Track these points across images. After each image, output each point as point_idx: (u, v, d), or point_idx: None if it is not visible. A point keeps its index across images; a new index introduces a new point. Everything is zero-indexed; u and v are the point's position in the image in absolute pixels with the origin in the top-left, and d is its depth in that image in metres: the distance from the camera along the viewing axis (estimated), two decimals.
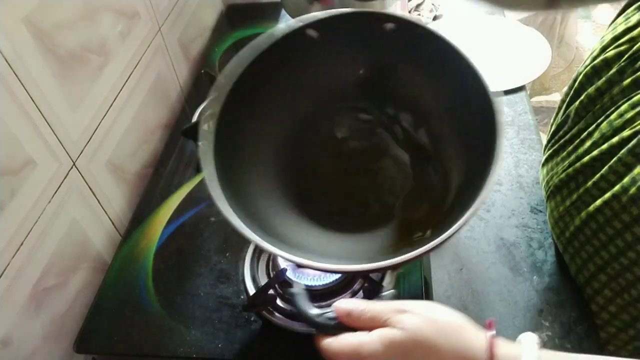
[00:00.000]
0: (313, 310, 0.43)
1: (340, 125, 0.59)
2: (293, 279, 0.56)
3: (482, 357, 0.36)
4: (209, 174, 0.45)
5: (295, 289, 0.45)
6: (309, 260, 0.42)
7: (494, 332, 0.37)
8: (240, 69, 0.51)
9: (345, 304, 0.40)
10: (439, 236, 0.40)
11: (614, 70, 0.52)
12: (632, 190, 0.47)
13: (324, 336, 0.40)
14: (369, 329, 0.39)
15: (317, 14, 0.53)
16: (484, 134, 0.44)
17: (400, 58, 0.55)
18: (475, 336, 0.37)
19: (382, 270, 0.48)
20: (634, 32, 0.51)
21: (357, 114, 0.59)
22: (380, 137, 0.58)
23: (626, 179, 0.48)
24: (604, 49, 0.54)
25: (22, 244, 0.51)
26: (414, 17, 0.52)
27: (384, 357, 0.37)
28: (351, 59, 0.56)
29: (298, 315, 0.44)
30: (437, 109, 0.54)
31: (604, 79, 0.53)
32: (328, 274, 0.56)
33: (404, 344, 0.37)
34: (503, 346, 0.36)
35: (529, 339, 0.37)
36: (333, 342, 0.39)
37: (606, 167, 0.51)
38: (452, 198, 0.50)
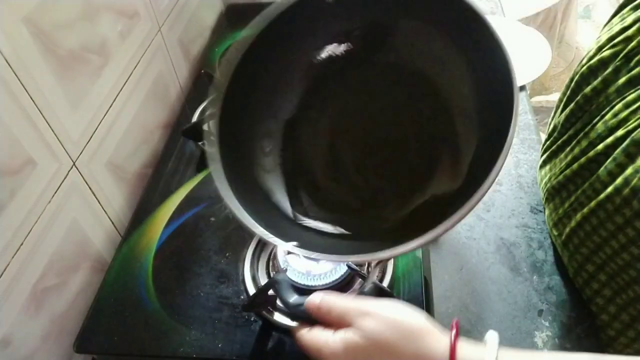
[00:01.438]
0: (293, 299, 0.44)
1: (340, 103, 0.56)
2: (293, 278, 0.57)
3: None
4: (216, 171, 0.46)
5: (279, 276, 0.46)
6: (307, 251, 0.42)
7: (454, 332, 0.37)
8: (241, 53, 0.50)
9: (315, 298, 0.42)
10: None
11: (609, 69, 0.52)
12: (625, 191, 0.47)
13: (301, 325, 0.43)
14: (338, 325, 0.40)
15: None
16: (499, 108, 0.41)
17: (418, 16, 0.50)
18: (437, 339, 0.38)
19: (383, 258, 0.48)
20: (629, 32, 0.50)
21: (362, 87, 0.55)
22: (392, 121, 0.55)
23: (619, 180, 0.48)
24: (600, 49, 0.54)
25: (22, 244, 0.51)
26: None
27: (345, 359, 0.39)
28: (359, 23, 0.53)
29: (280, 301, 0.45)
30: (452, 81, 0.50)
31: (600, 78, 0.53)
32: (329, 274, 0.56)
33: (365, 349, 0.38)
34: (465, 349, 0.37)
35: (492, 339, 0.37)
36: (304, 335, 0.42)
37: (601, 169, 0.51)
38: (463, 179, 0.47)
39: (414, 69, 0.53)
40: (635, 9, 0.52)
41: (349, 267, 0.56)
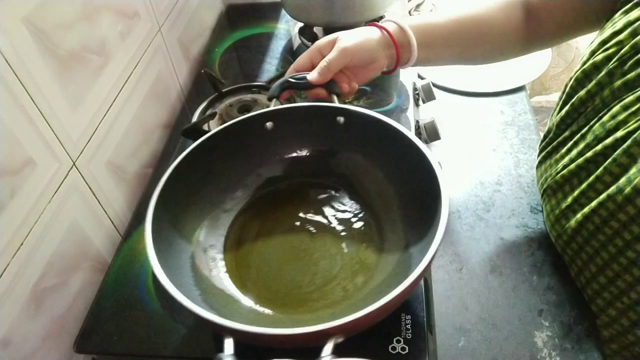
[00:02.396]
0: None
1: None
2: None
3: None
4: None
5: None
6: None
7: None
8: (192, 147, 0.57)
9: None
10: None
11: (603, 73, 0.52)
12: (628, 189, 0.47)
13: None
14: None
15: (274, 108, 0.60)
16: (428, 208, 0.46)
17: (350, 145, 0.59)
18: None
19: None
20: (621, 36, 0.51)
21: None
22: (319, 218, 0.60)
23: (622, 180, 0.48)
24: (592, 53, 0.55)
25: (22, 244, 0.51)
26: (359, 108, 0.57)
27: None
28: (301, 146, 0.63)
29: None
30: (385, 190, 0.58)
31: (594, 82, 0.54)
32: None
33: None
34: None
35: None
36: None
37: (601, 169, 0.51)
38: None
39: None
40: (626, 13, 0.52)
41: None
